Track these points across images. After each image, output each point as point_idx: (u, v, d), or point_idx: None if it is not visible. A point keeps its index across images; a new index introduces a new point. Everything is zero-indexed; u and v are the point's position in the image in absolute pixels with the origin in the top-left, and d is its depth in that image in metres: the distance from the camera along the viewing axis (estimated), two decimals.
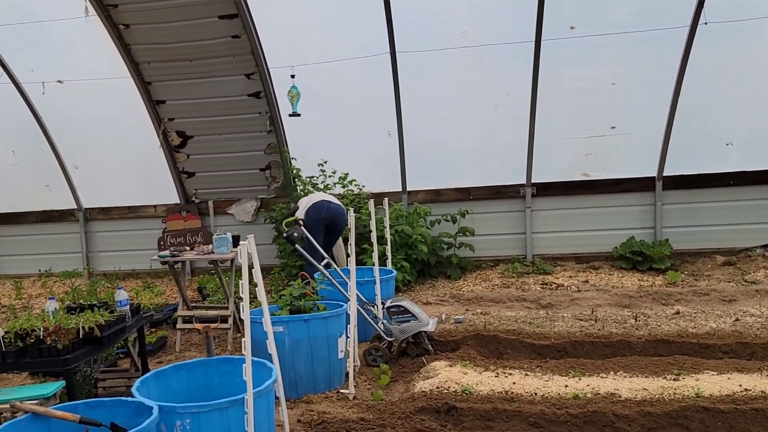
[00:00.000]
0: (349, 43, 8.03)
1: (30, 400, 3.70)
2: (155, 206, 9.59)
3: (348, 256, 5.29)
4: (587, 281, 7.85)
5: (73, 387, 4.02)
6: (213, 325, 4.10)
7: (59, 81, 8.45)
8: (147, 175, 9.45)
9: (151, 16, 7.82)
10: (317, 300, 5.19)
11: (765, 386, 4.36)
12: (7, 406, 3.54)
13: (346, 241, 6.91)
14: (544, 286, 7.77)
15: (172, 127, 8.90)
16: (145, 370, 4.97)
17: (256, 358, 3.88)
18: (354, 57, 7.95)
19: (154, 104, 8.69)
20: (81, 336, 4.16)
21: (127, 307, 4.75)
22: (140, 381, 3.68)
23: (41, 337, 4.07)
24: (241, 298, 3.41)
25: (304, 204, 7.27)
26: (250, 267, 3.58)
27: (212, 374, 3.96)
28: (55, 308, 4.57)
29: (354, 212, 8.17)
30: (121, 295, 4.75)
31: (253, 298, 3.66)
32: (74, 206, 9.70)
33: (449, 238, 8.69)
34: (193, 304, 6.68)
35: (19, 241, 10.00)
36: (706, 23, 7.31)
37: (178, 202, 9.48)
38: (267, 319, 3.85)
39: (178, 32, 7.97)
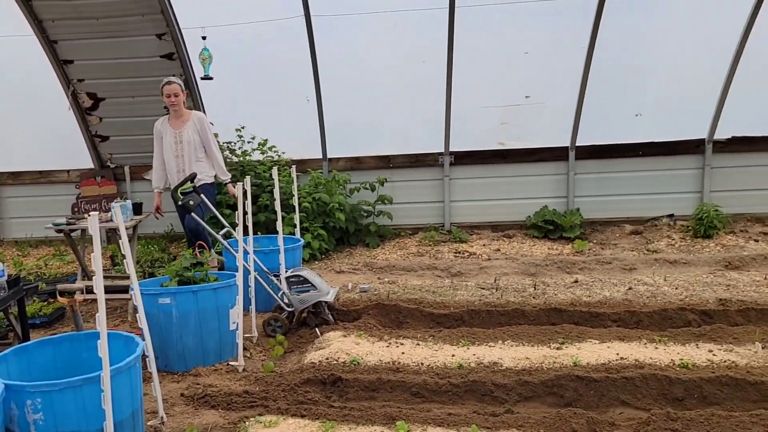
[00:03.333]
0: (263, 4, 7.78)
1: None
2: (68, 171, 9.22)
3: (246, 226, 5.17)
4: (499, 249, 7.94)
5: None
6: (79, 297, 3.96)
7: None
8: (59, 139, 9.03)
9: None
10: (209, 270, 5.10)
11: (640, 355, 4.46)
12: None
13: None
14: (457, 255, 7.83)
15: (83, 88, 8.53)
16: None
17: (121, 332, 3.80)
18: (266, 19, 7.69)
19: (61, 64, 8.29)
20: None
21: (3, 278, 4.57)
22: None
23: None
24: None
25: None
26: (113, 238, 3.46)
27: (81, 349, 3.79)
28: None
29: (269, 178, 8.11)
30: None
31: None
32: None
33: (368, 207, 8.66)
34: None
35: None
36: None
37: (93, 167, 9.15)
38: (136, 291, 3.76)
39: None
